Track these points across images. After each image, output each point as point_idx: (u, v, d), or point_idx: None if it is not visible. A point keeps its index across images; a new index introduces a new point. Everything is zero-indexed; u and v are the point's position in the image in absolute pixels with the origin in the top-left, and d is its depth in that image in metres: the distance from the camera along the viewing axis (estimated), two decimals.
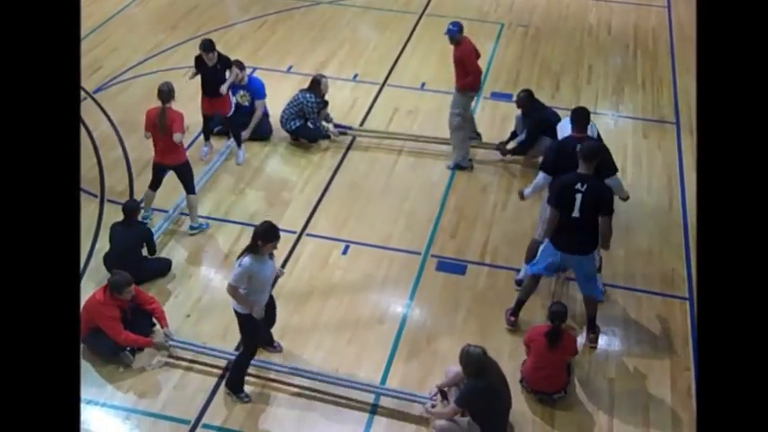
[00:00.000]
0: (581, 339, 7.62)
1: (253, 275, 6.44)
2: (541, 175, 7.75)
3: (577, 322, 7.82)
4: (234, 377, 7.05)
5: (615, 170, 7.78)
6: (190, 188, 8.92)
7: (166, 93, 8.50)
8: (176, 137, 8.43)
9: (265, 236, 6.42)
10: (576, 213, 6.93)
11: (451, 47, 9.62)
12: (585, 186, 6.88)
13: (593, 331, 7.66)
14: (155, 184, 9.01)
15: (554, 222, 7.13)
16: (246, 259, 6.40)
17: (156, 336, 7.50)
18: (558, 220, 7.09)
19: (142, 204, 8.97)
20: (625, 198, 8.00)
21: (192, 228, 9.04)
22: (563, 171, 7.31)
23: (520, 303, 7.74)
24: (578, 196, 6.89)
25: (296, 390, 7.13)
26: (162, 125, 8.45)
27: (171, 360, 7.39)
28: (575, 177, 6.97)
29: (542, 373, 6.94)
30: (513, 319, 7.78)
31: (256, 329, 6.87)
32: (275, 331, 7.54)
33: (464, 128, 9.98)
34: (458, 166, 10.12)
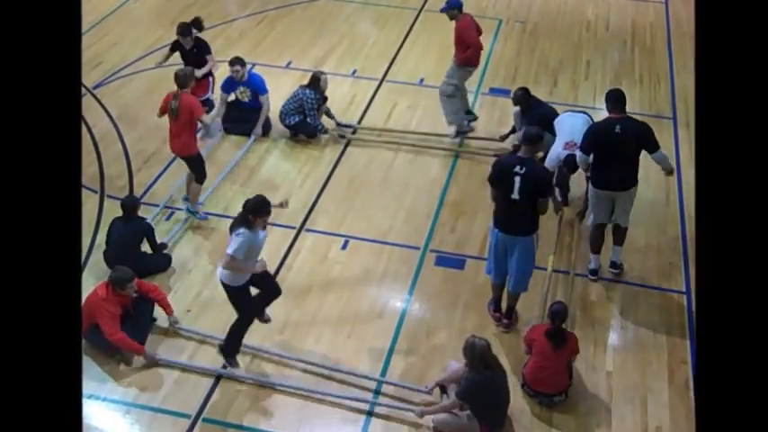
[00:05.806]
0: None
1: (251, 245, 6.67)
2: (579, 154, 8.05)
3: (573, 322, 7.88)
4: (229, 343, 7.17)
5: (658, 146, 7.86)
6: (198, 178, 9.01)
7: (182, 77, 8.52)
8: (205, 118, 8.62)
9: (256, 211, 6.62)
10: (515, 195, 7.03)
11: (453, 24, 9.98)
12: (525, 170, 6.98)
13: (509, 318, 7.75)
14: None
15: (495, 200, 7.31)
16: (243, 230, 6.58)
17: (149, 349, 7.41)
18: (497, 200, 7.27)
19: (185, 197, 9.15)
20: (670, 170, 8.23)
21: (188, 210, 9.12)
22: (603, 150, 7.70)
23: (496, 299, 7.82)
24: (517, 179, 6.98)
25: (296, 384, 7.16)
26: (173, 109, 8.48)
27: (170, 357, 7.40)
28: (514, 160, 7.19)
29: (545, 372, 6.92)
30: (498, 314, 7.80)
31: (250, 297, 7.07)
32: (275, 326, 7.64)
33: (456, 97, 10.28)
34: (459, 133, 10.42)
